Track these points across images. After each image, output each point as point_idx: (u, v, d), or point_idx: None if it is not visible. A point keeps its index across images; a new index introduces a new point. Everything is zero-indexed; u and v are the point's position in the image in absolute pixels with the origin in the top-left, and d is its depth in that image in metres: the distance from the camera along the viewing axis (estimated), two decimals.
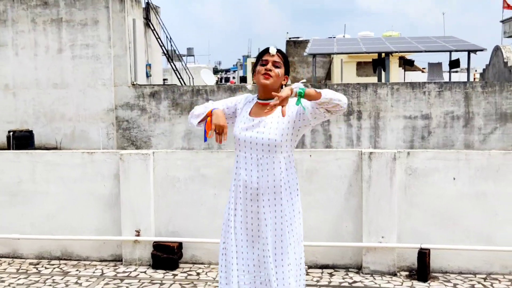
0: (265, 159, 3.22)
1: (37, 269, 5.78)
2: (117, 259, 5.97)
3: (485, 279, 5.31)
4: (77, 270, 5.74)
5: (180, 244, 5.78)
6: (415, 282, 5.25)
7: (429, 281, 5.26)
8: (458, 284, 5.18)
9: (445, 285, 5.17)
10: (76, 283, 5.37)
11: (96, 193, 5.92)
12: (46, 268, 5.83)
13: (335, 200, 5.55)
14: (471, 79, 18.80)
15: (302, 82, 3.10)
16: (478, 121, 15.26)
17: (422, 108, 15.41)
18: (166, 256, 5.69)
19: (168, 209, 5.83)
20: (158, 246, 5.74)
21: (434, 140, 15.51)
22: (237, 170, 3.33)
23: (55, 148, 15.23)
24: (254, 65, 3.36)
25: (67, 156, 5.99)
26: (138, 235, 5.80)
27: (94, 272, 5.68)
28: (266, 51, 3.29)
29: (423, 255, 5.28)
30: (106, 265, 5.88)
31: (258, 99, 3.36)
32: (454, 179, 5.38)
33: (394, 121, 15.59)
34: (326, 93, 3.02)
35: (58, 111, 15.80)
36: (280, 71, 3.26)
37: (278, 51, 3.28)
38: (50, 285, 5.30)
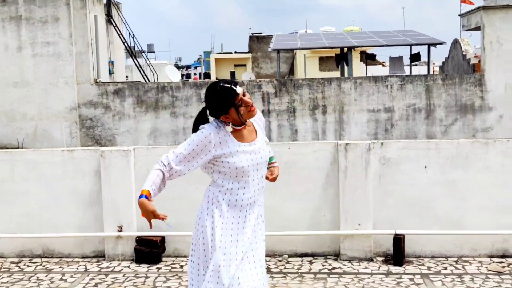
0: (263, 173, 3.49)
1: (19, 267, 5.87)
2: (100, 255, 6.11)
3: (456, 261, 5.68)
4: (60, 267, 5.86)
5: (163, 238, 5.96)
6: (391, 267, 5.57)
7: (404, 265, 5.59)
8: (431, 267, 5.53)
9: (420, 269, 5.51)
10: (61, 279, 5.49)
11: (77, 191, 6.04)
12: (28, 266, 5.92)
13: (313, 191, 5.82)
14: (431, 72, 19.40)
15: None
16: (439, 113, 15.81)
17: (385, 101, 15.88)
18: (149, 250, 5.86)
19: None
20: (141, 241, 5.90)
21: (397, 133, 16.00)
22: (238, 191, 3.36)
23: (17, 148, 15.07)
24: (224, 108, 3.26)
25: (47, 154, 6.08)
26: (120, 231, 5.95)
27: (77, 268, 5.80)
28: (234, 94, 3.24)
29: (398, 240, 5.61)
30: (89, 261, 6.01)
31: (235, 125, 3.34)
32: (425, 167, 5.72)
33: (358, 114, 16.01)
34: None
35: (19, 111, 15.64)
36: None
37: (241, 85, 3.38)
38: (35, 283, 5.41)
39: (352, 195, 5.71)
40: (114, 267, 5.83)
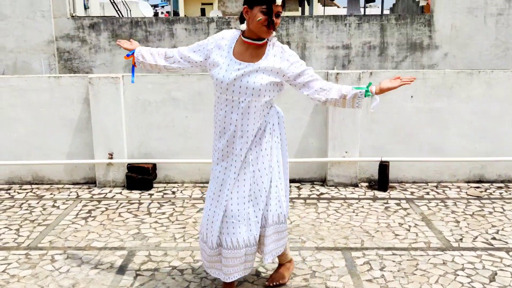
0: (246, 103, 2.78)
1: (9, 194, 5.14)
2: (90, 182, 5.43)
3: (436, 186, 5.27)
4: (51, 194, 5.16)
5: (154, 166, 5.31)
6: (376, 192, 5.12)
7: (388, 190, 5.14)
8: (414, 192, 5.10)
9: (403, 194, 5.07)
10: (53, 206, 4.81)
11: (65, 118, 5.26)
12: (18, 193, 5.20)
13: (302, 119, 5.23)
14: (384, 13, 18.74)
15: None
16: (391, 50, 15.32)
17: (343, 39, 15.26)
18: (141, 177, 5.21)
19: (140, 132, 5.30)
20: (132, 168, 5.24)
21: (353, 68, 15.45)
22: (217, 111, 2.89)
23: None
24: (250, 3, 2.70)
25: (32, 80, 5.23)
26: (111, 158, 5.25)
27: (69, 195, 5.12)
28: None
29: (384, 167, 5.13)
30: (80, 188, 5.33)
31: (244, 36, 2.79)
32: (411, 97, 5.18)
33: (319, 51, 15.34)
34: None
35: None
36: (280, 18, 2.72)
37: None
38: (27, 209, 4.71)
39: (340, 123, 5.14)
40: (106, 193, 5.17)
